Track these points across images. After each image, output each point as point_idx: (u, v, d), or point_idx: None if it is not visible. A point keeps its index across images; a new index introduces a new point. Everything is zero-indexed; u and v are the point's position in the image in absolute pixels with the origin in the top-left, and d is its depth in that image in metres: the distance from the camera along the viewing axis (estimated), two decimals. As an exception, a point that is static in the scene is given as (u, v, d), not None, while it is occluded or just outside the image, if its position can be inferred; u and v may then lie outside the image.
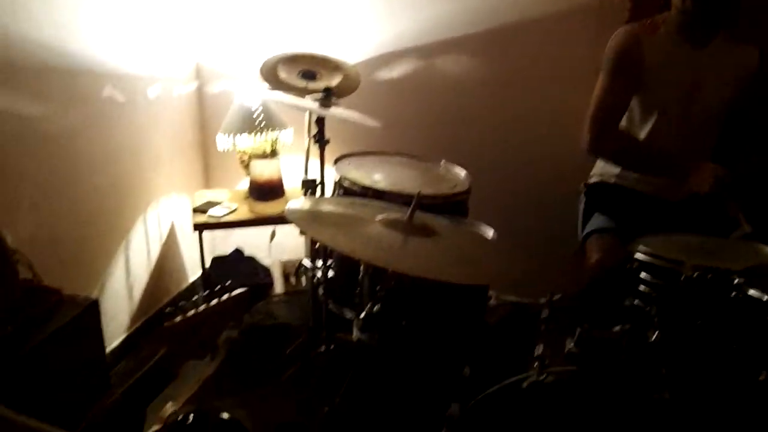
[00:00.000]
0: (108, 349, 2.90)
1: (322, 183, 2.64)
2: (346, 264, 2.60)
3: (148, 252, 3.33)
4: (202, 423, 2.41)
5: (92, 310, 2.10)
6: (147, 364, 1.22)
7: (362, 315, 2.20)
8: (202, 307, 1.31)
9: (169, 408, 2.59)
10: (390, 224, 1.92)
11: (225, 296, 1.35)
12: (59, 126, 2.58)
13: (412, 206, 1.93)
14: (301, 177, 2.67)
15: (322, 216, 2.06)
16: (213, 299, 1.33)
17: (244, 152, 3.27)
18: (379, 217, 1.97)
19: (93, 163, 2.82)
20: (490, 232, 2.18)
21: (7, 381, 1.75)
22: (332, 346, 2.68)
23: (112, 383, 2.30)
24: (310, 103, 2.61)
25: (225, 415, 2.47)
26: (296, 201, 2.08)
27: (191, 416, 2.44)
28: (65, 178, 2.65)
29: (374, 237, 1.86)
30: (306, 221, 1.96)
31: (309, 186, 2.52)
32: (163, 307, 3.49)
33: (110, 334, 2.99)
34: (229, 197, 3.39)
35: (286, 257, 3.62)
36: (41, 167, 2.50)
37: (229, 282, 1.37)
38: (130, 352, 3.19)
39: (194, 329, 1.30)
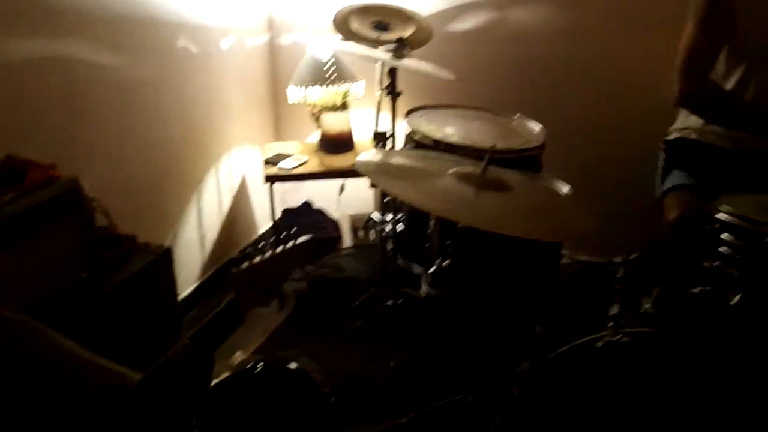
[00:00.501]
0: (179, 297, 2.96)
1: (393, 136, 2.61)
2: (415, 218, 2.58)
3: (220, 203, 3.37)
4: (270, 372, 2.46)
5: (165, 257, 2.14)
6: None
7: (431, 270, 2.18)
8: (268, 254, 1.31)
9: (239, 356, 2.64)
10: (462, 178, 1.89)
11: (290, 244, 1.34)
12: (134, 76, 2.61)
13: (485, 160, 1.89)
14: (372, 130, 2.65)
15: (393, 168, 2.03)
16: (279, 247, 1.33)
17: (314, 105, 3.26)
18: (451, 170, 1.93)
19: (166, 113, 2.85)
20: (564, 188, 2.12)
21: (82, 325, 1.80)
22: (400, 301, 2.68)
23: (183, 331, 2.34)
24: (382, 53, 2.56)
25: (293, 365, 2.50)
26: (367, 153, 2.06)
27: (260, 365, 2.49)
28: (140, 127, 2.68)
29: (446, 190, 1.84)
30: (377, 173, 1.94)
31: (380, 138, 2.49)
32: (234, 257, 3.54)
33: (182, 282, 3.04)
34: (300, 150, 3.39)
35: (354, 211, 3.61)
36: (117, 116, 2.54)
37: (295, 229, 1.37)
38: (201, 300, 3.26)
39: (260, 276, 1.30)
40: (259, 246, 1.28)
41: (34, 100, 2.13)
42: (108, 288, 1.94)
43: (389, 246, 2.65)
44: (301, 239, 1.36)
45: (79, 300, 1.86)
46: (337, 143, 3.27)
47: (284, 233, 1.35)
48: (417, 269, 2.78)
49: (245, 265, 1.29)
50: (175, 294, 2.27)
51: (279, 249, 1.33)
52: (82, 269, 1.90)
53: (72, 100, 2.30)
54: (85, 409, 1.21)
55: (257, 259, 1.30)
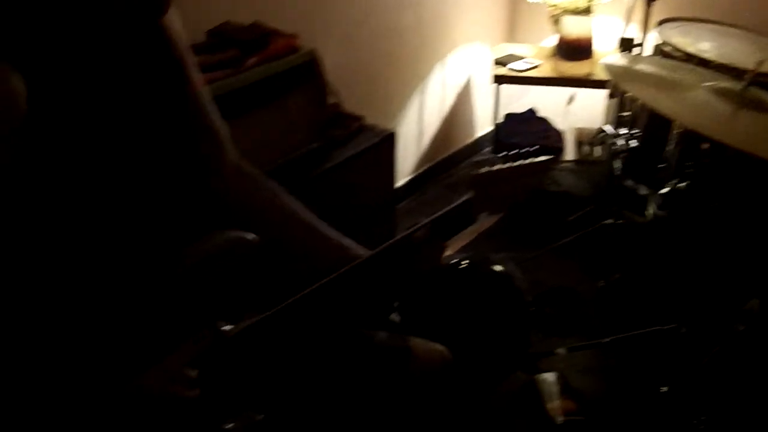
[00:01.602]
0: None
1: (641, 45, 2.40)
2: (652, 135, 2.40)
3: (443, 98, 3.34)
4: (474, 270, 2.44)
5: (389, 141, 2.14)
6: (438, 208, 1.21)
7: (663, 190, 2.03)
8: (508, 165, 1.27)
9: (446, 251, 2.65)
10: (720, 92, 1.71)
11: (530, 159, 1.29)
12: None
13: (748, 76, 1.70)
14: (618, 37, 2.46)
15: (640, 76, 1.88)
16: (519, 159, 1.29)
17: (556, 6, 3.08)
18: (707, 83, 1.75)
19: (400, 1, 2.81)
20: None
21: (306, 195, 1.86)
22: (620, 221, 2.53)
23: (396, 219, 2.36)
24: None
25: (498, 268, 2.47)
26: (613, 57, 1.92)
27: (465, 262, 2.48)
28: (373, 13, 2.68)
29: (700, 104, 1.68)
30: (623, 78, 1.80)
31: (627, 45, 2.31)
32: (450, 156, 3.52)
33: (397, 173, 3.07)
34: (533, 53, 3.25)
35: (581, 125, 3.44)
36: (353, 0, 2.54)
37: (537, 146, 1.31)
38: (414, 193, 3.29)
39: (499, 183, 1.27)
40: (500, 154, 1.25)
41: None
42: (334, 163, 1.97)
43: (617, 164, 2.49)
44: (543, 158, 1.31)
45: (307, 170, 1.91)
46: (574, 49, 3.09)
47: (526, 148, 1.29)
48: (643, 191, 2.61)
49: (485, 169, 1.26)
50: (393, 180, 2.29)
51: (519, 162, 1.29)
52: (313, 141, 1.94)
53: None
54: (310, 270, 1.24)
55: (498, 166, 1.27)
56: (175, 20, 1.13)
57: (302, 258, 1.29)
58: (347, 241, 1.28)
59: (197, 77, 1.19)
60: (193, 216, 1.13)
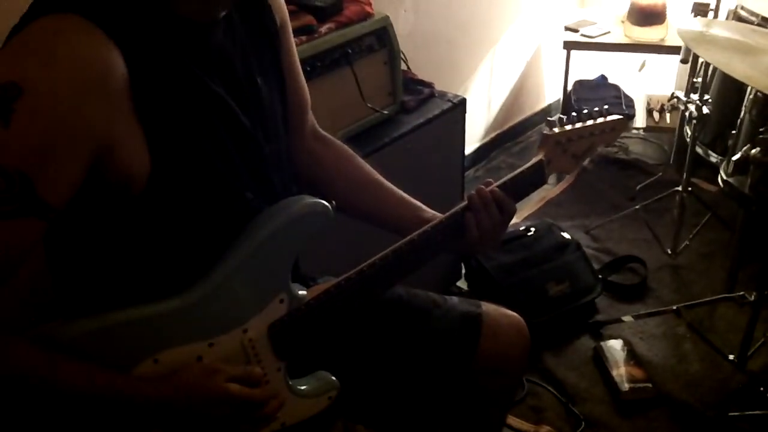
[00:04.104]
0: (463, 154, 3.02)
1: (715, 9, 2.36)
2: (725, 101, 2.38)
3: (512, 65, 3.33)
4: (542, 236, 2.47)
5: (461, 107, 2.16)
6: (506, 175, 1.23)
7: (735, 157, 2.01)
8: (579, 125, 1.28)
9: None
10: (797, 56, 1.69)
11: (601, 119, 1.30)
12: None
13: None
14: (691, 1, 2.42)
15: (715, 40, 1.86)
16: (590, 119, 1.30)
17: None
18: (784, 47, 1.73)
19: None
20: None
21: (378, 161, 1.90)
22: (689, 189, 2.52)
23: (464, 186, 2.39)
24: None
25: (566, 235, 2.49)
26: (687, 21, 1.91)
27: (533, 229, 2.50)
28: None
29: (775, 68, 1.66)
30: (697, 42, 1.79)
31: (701, 9, 2.27)
32: (518, 123, 3.52)
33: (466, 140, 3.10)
34: (604, 19, 3.22)
35: (652, 92, 3.40)
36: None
37: (606, 106, 1.32)
38: (482, 161, 3.31)
39: (570, 143, 1.29)
40: (572, 114, 1.25)
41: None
42: (406, 129, 2.01)
43: (688, 131, 2.47)
44: (614, 117, 1.32)
45: (379, 136, 1.96)
46: (647, 14, 3.04)
47: (597, 108, 1.30)
48: (714, 158, 2.59)
49: (558, 129, 1.27)
50: (463, 147, 2.31)
51: (590, 122, 1.30)
52: (386, 107, 1.99)
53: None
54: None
55: (569, 126, 1.28)
56: None
57: (375, 218, 1.33)
58: (419, 204, 1.31)
59: (291, 40, 1.24)
60: (274, 174, 1.17)
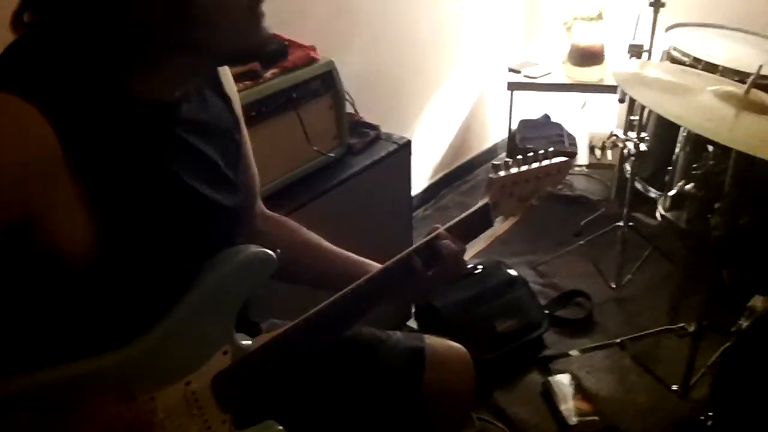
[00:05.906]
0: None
1: (649, 51, 2.45)
2: (661, 139, 2.46)
3: (458, 107, 3.39)
4: (489, 273, 2.50)
5: (406, 148, 2.19)
6: (454, 214, 1.25)
7: (672, 192, 2.08)
8: (525, 168, 1.30)
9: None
10: (724, 96, 1.76)
11: (547, 162, 1.32)
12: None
13: (750, 80, 1.75)
14: (627, 43, 2.51)
15: (649, 81, 1.93)
16: (535, 162, 1.32)
17: (569, 13, 3.14)
18: (712, 87, 1.80)
19: (418, 9, 2.88)
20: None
21: (325, 203, 1.92)
22: (630, 224, 2.59)
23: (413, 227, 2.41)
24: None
25: (512, 272, 2.52)
26: (622, 63, 1.97)
27: (480, 268, 2.53)
28: (392, 23, 2.75)
29: (704, 107, 1.73)
30: (631, 83, 1.85)
31: (635, 51, 2.36)
32: (465, 163, 3.58)
33: (413, 181, 3.14)
34: (546, 60, 3.31)
35: (594, 129, 3.49)
36: (374, 10, 2.61)
37: (552, 148, 1.34)
38: (430, 200, 3.34)
39: (516, 186, 1.30)
40: (518, 157, 1.26)
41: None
42: (352, 171, 2.03)
43: (627, 168, 2.54)
44: (559, 159, 1.34)
45: (325, 179, 1.98)
46: (586, 55, 3.14)
47: (542, 150, 1.32)
48: (653, 194, 2.66)
49: (503, 172, 1.29)
50: (409, 187, 2.34)
51: (536, 164, 1.32)
52: (331, 150, 2.01)
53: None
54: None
55: (515, 170, 1.30)
56: (227, 72, 1.18)
57: (325, 281, 1.30)
58: (367, 260, 1.30)
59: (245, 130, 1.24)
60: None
